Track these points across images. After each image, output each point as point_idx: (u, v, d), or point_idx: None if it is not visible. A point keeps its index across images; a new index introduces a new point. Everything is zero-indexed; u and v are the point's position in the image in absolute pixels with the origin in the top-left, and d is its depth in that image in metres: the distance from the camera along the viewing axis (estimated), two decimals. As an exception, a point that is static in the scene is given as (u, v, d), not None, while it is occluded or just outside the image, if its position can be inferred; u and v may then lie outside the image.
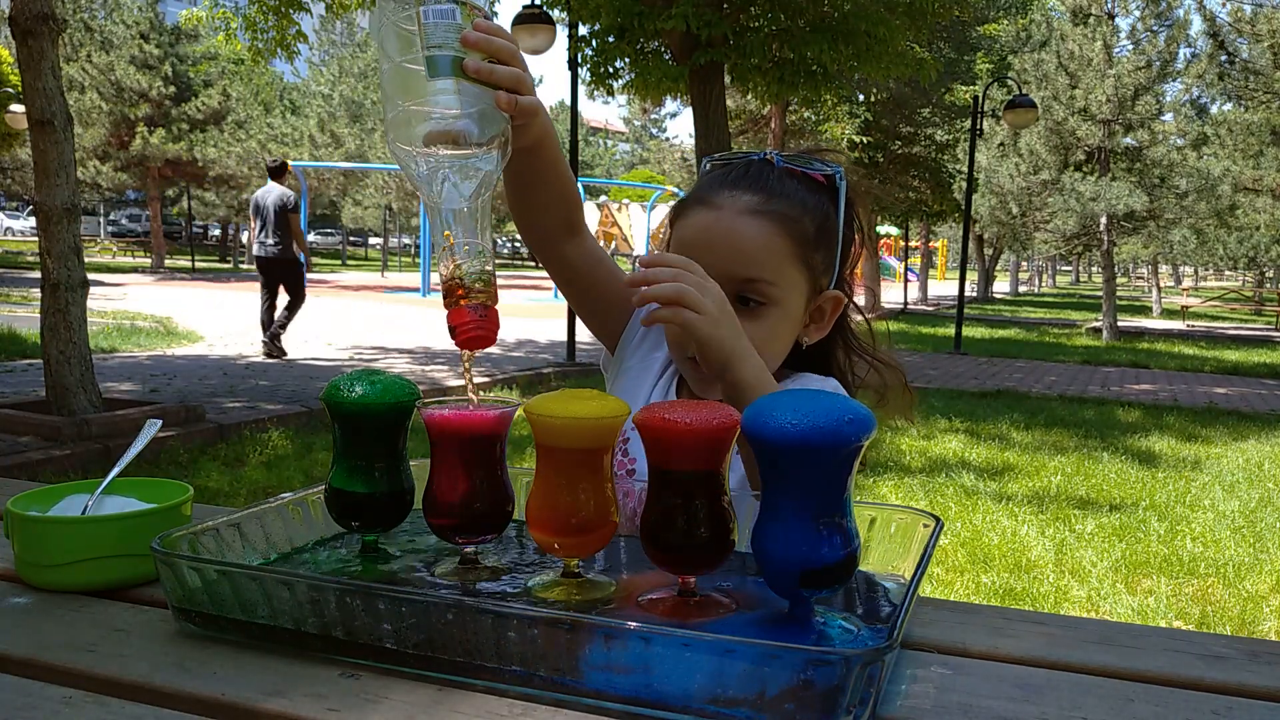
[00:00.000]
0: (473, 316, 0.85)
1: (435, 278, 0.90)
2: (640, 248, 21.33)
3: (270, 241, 8.97)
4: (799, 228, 1.16)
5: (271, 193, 8.96)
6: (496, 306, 0.87)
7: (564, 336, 10.50)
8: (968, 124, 16.55)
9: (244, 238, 36.54)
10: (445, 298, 0.86)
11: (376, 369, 0.97)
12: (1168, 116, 18.48)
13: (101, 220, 43.40)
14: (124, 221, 44.16)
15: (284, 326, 9.44)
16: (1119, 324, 18.15)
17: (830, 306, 1.22)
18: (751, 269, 1.14)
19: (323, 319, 14.01)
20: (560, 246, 1.23)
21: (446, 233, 0.87)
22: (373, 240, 53.86)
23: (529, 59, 0.94)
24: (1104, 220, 16.91)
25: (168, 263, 29.10)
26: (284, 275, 9.15)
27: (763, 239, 1.15)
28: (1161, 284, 31.35)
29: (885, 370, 1.28)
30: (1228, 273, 46.09)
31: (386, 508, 0.95)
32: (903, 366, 1.30)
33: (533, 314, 16.19)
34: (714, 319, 0.99)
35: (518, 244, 56.74)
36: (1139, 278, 58.03)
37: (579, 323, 1.36)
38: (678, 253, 1.17)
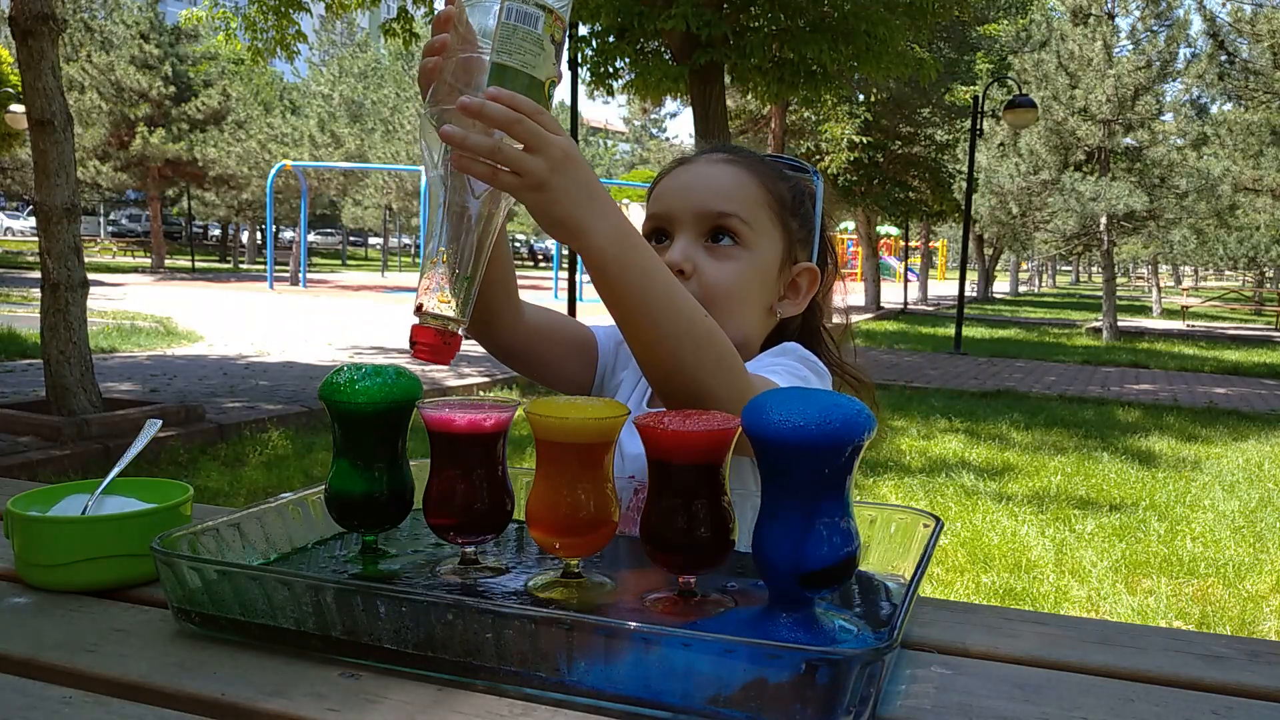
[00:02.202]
0: (436, 339, 0.86)
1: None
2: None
3: None
4: (774, 186, 1.17)
5: None
6: (461, 333, 0.87)
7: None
8: (968, 124, 16.54)
9: (244, 238, 36.57)
10: (417, 310, 0.87)
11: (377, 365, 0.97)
12: (1168, 116, 18.47)
13: (101, 220, 43.39)
14: (124, 221, 44.13)
15: None
16: (1119, 324, 18.14)
17: (806, 281, 1.21)
18: (725, 204, 1.14)
19: (323, 319, 14.02)
20: (516, 320, 1.16)
21: (442, 250, 0.85)
22: (373, 240, 53.88)
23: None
24: (1104, 220, 16.90)
25: (168, 263, 29.10)
26: None
27: (737, 180, 1.16)
28: (1161, 284, 31.32)
29: (859, 389, 1.25)
30: (1228, 273, 46.08)
31: (386, 507, 0.95)
32: (873, 384, 1.29)
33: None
34: (539, 180, 0.82)
35: (517, 244, 56.75)
36: (1139, 278, 58.02)
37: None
38: (654, 210, 1.18)
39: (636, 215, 1.30)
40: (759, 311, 1.19)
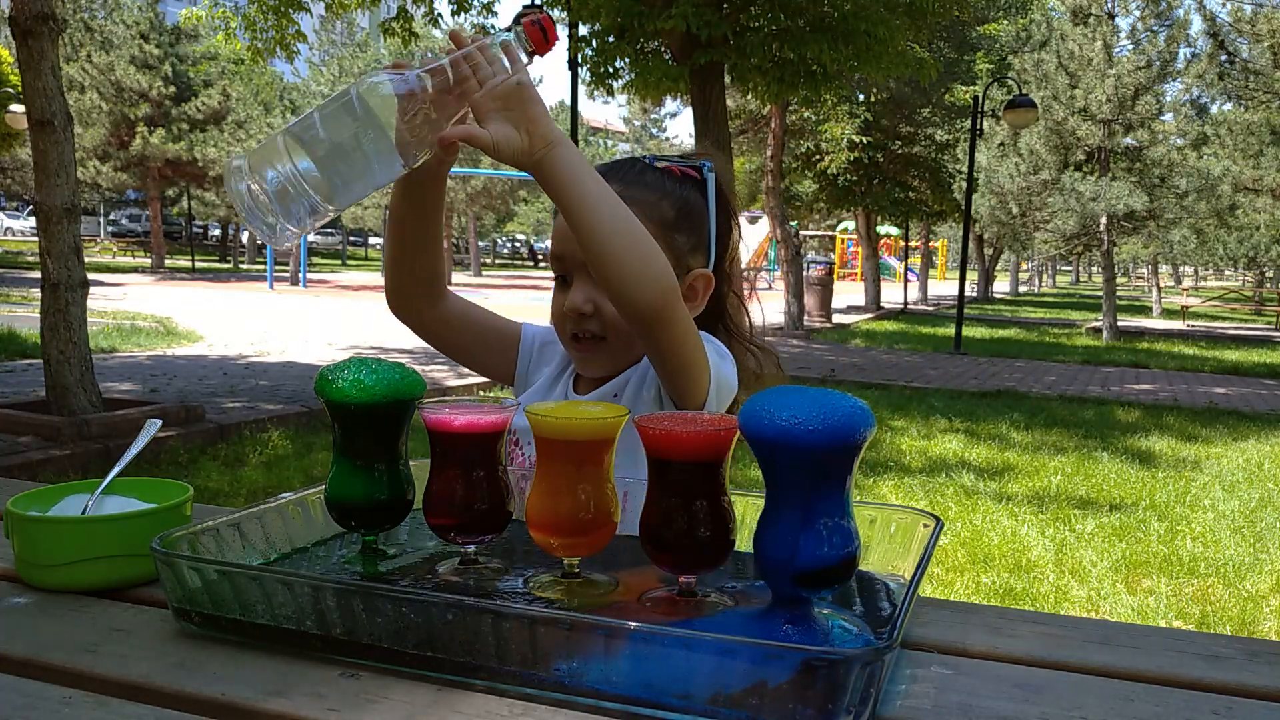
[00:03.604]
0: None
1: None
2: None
3: None
4: (656, 210, 1.25)
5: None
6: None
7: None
8: (968, 124, 16.53)
9: (244, 238, 36.55)
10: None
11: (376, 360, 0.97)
12: (1168, 116, 18.46)
13: (101, 220, 43.36)
14: (124, 221, 44.10)
15: None
16: (1119, 324, 18.13)
17: (701, 285, 1.29)
18: None
19: (323, 319, 14.02)
20: (434, 304, 1.29)
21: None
22: (373, 240, 53.82)
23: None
24: (1104, 220, 16.90)
25: (168, 263, 29.09)
26: None
27: None
28: (1161, 284, 31.29)
29: (762, 355, 1.37)
30: (1228, 273, 46.07)
31: (386, 508, 0.95)
32: (775, 352, 1.40)
33: (532, 314, 16.21)
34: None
35: (517, 244, 56.73)
36: (1139, 278, 57.94)
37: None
38: (555, 250, 1.31)
39: None
40: None
